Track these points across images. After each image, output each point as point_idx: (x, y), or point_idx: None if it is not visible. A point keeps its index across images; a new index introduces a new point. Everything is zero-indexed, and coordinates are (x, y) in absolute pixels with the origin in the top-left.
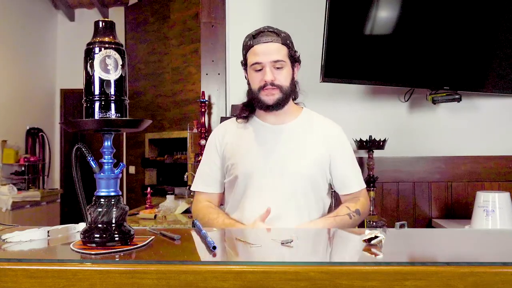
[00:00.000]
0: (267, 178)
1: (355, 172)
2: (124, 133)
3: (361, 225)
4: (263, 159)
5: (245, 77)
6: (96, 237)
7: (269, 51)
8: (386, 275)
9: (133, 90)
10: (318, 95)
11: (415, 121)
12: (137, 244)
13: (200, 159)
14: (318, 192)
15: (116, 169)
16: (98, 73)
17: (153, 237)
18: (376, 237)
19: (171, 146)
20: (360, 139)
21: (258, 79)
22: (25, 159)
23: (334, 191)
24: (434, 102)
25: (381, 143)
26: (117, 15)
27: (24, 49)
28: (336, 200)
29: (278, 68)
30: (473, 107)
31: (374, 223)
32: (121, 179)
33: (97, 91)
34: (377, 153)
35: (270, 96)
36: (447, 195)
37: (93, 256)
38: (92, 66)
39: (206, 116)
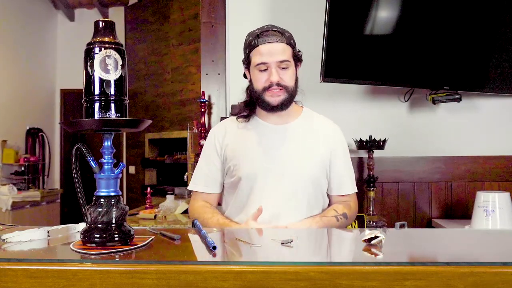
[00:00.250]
0: (271, 178)
1: (350, 174)
2: (124, 133)
3: (361, 225)
4: (266, 160)
5: (244, 75)
6: (96, 237)
7: (275, 51)
8: (386, 275)
9: (133, 90)
10: (318, 95)
11: (415, 121)
12: (137, 244)
13: None
14: (319, 191)
15: (116, 169)
16: (98, 73)
17: (153, 237)
18: (376, 237)
19: (171, 146)
20: (360, 139)
21: (263, 79)
22: (25, 159)
23: None
24: (434, 102)
25: (381, 143)
26: (117, 15)
27: (24, 49)
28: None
29: (283, 68)
30: (473, 107)
31: (374, 223)
32: (121, 179)
33: (97, 91)
34: (377, 153)
35: (275, 97)
36: (447, 195)
37: (93, 256)
38: (92, 66)
39: (206, 116)
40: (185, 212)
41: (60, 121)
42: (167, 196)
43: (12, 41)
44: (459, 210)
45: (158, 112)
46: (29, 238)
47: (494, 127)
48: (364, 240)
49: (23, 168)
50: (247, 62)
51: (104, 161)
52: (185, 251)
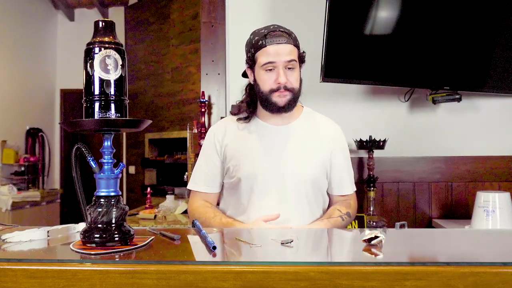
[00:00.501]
0: (272, 179)
1: (350, 174)
2: (124, 133)
3: (361, 225)
4: (267, 160)
5: (243, 75)
6: (96, 237)
7: (282, 52)
8: (386, 275)
9: (133, 90)
10: (318, 95)
11: (415, 121)
12: (137, 244)
13: None
14: (320, 191)
15: (116, 169)
16: (98, 73)
17: (153, 237)
18: (376, 237)
19: (171, 146)
20: (360, 139)
21: (271, 80)
22: (25, 159)
23: None
24: (434, 102)
25: (381, 143)
26: (117, 15)
27: (24, 49)
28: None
29: (289, 68)
30: (473, 107)
31: (374, 223)
32: (121, 179)
33: (97, 91)
34: (377, 153)
35: (282, 98)
36: (447, 195)
37: (93, 256)
38: (92, 66)
39: (206, 116)
40: (185, 212)
41: (60, 121)
42: (167, 196)
43: (12, 41)
44: (459, 210)
45: (158, 112)
46: (29, 238)
47: (494, 127)
48: (364, 240)
49: (23, 168)
50: (251, 62)
51: (104, 161)
52: (185, 251)
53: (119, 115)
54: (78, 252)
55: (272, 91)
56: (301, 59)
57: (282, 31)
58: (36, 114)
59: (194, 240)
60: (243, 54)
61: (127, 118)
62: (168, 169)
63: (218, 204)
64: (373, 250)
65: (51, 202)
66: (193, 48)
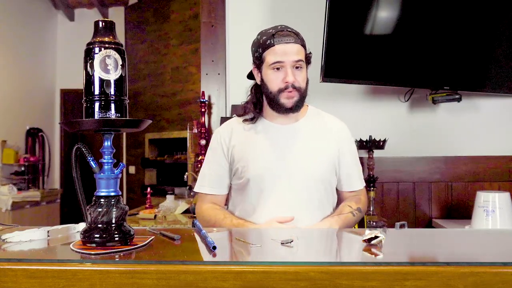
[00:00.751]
0: (281, 179)
1: (359, 169)
2: (124, 133)
3: (361, 225)
4: (275, 160)
5: (248, 76)
6: (96, 237)
7: (290, 52)
8: (386, 275)
9: (133, 90)
10: (318, 95)
11: (415, 121)
12: (137, 244)
13: (200, 159)
14: (329, 189)
15: (116, 169)
16: (98, 73)
17: (153, 237)
18: (376, 237)
19: (171, 146)
20: (360, 139)
21: (279, 79)
22: (25, 159)
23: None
24: (434, 102)
25: (381, 143)
26: (117, 15)
27: (24, 49)
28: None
29: (297, 68)
30: (473, 107)
31: (374, 223)
32: (121, 179)
33: (97, 91)
34: (377, 153)
35: (290, 99)
36: (447, 195)
37: (93, 256)
38: (92, 66)
39: (206, 116)
40: (185, 212)
41: (60, 121)
42: (167, 196)
43: (12, 41)
44: (459, 210)
45: (158, 112)
46: (29, 238)
47: (494, 127)
48: (364, 240)
49: (23, 168)
50: (259, 61)
51: (104, 161)
52: (185, 251)
53: (119, 115)
54: (78, 252)
55: (280, 90)
56: (308, 59)
57: (289, 31)
58: (36, 114)
59: (194, 240)
60: (243, 54)
61: (127, 118)
62: (168, 169)
63: (226, 205)
64: (373, 250)
65: (51, 202)
66: (193, 48)
